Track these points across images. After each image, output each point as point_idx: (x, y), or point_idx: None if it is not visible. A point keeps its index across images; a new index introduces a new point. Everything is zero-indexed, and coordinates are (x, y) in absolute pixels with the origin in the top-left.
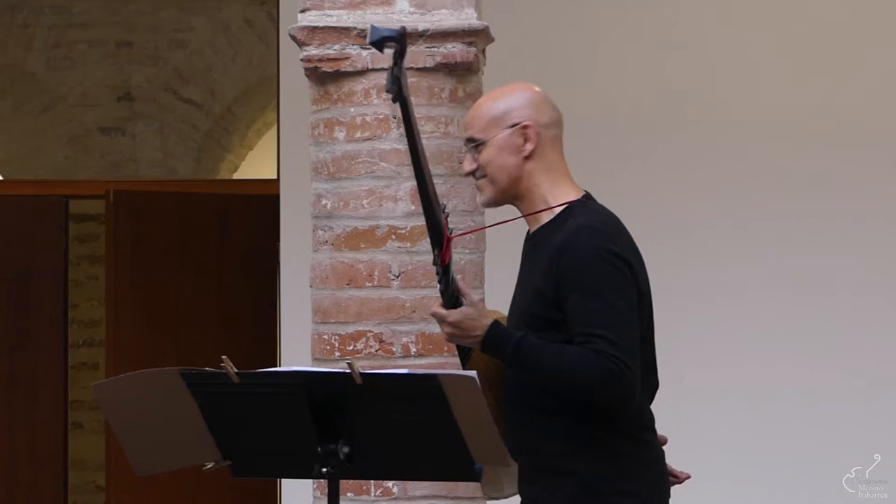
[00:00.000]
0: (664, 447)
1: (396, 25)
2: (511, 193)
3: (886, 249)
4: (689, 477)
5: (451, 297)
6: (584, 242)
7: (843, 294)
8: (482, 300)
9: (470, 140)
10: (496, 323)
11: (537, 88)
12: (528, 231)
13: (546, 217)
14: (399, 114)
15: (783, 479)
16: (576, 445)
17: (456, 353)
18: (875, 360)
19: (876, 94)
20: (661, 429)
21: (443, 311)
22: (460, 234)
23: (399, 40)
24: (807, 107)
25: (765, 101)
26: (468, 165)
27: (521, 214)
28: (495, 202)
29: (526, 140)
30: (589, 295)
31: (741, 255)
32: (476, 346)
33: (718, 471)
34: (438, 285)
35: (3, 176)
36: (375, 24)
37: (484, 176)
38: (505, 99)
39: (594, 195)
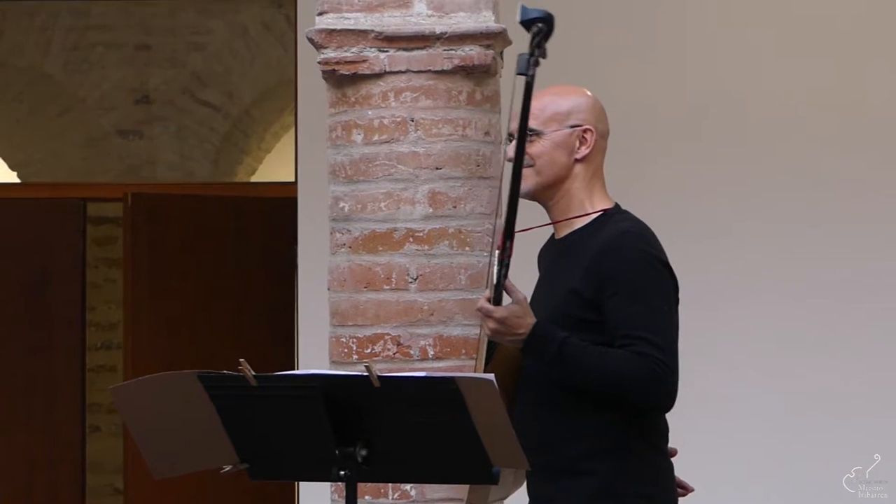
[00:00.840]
0: (673, 458)
1: (414, 28)
2: (551, 191)
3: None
4: (693, 490)
5: (500, 293)
6: (629, 246)
7: (844, 295)
8: (527, 298)
9: (528, 130)
10: (540, 322)
11: (596, 98)
12: (554, 236)
13: (580, 222)
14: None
15: (783, 478)
16: (597, 447)
17: (474, 355)
18: (875, 361)
19: None
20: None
21: (490, 307)
22: (526, 230)
23: (547, 22)
24: (825, 110)
25: (783, 105)
26: (510, 153)
27: (551, 216)
28: (533, 195)
29: (582, 143)
30: (632, 297)
31: (757, 257)
32: (517, 343)
33: (718, 471)
34: (494, 278)
35: (21, 179)
36: (525, 4)
37: (531, 165)
38: (570, 98)
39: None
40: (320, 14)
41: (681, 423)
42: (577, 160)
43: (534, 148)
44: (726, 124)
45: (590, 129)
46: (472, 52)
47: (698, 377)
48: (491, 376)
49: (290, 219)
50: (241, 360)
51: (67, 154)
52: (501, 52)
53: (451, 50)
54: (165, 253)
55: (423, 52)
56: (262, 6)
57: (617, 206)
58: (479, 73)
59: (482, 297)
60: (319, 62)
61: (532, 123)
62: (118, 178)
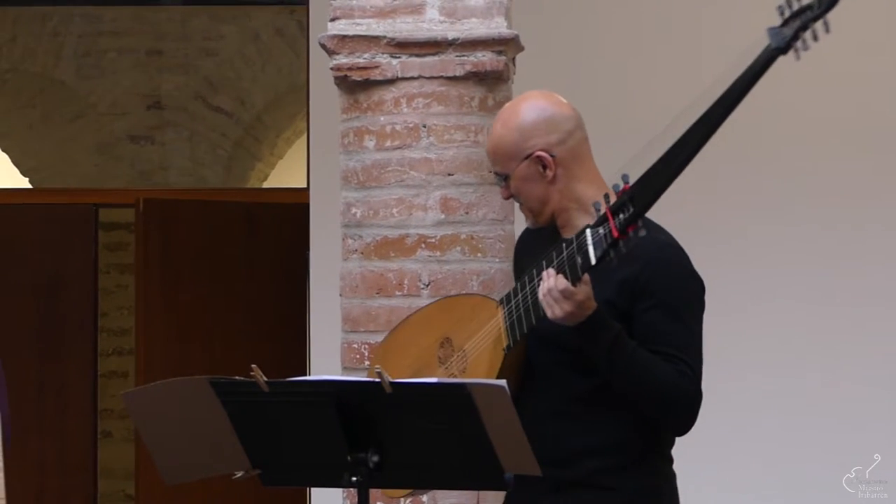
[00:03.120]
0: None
1: (426, 34)
2: (549, 214)
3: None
4: None
5: (580, 275)
6: (674, 262)
7: (844, 297)
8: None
9: (499, 175)
10: (599, 307)
11: (544, 102)
12: (543, 229)
13: (585, 219)
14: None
15: (783, 478)
16: (618, 462)
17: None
18: (875, 361)
19: None
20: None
21: (572, 288)
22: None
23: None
24: (839, 114)
25: (796, 108)
26: (504, 192)
27: (567, 233)
28: (541, 224)
29: (545, 167)
30: (673, 315)
31: (762, 261)
32: (573, 324)
33: (718, 470)
34: (594, 258)
35: (33, 184)
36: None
37: (523, 204)
38: (514, 127)
39: None
40: (332, 20)
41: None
42: (550, 182)
43: (511, 188)
44: (739, 128)
45: (540, 154)
46: (485, 58)
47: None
48: (503, 382)
49: (302, 225)
50: (253, 365)
51: (79, 160)
52: (514, 58)
53: (464, 56)
54: (177, 259)
55: (436, 58)
56: (275, 12)
57: None
58: (491, 79)
59: (559, 278)
60: (331, 68)
61: (497, 169)
62: (130, 183)
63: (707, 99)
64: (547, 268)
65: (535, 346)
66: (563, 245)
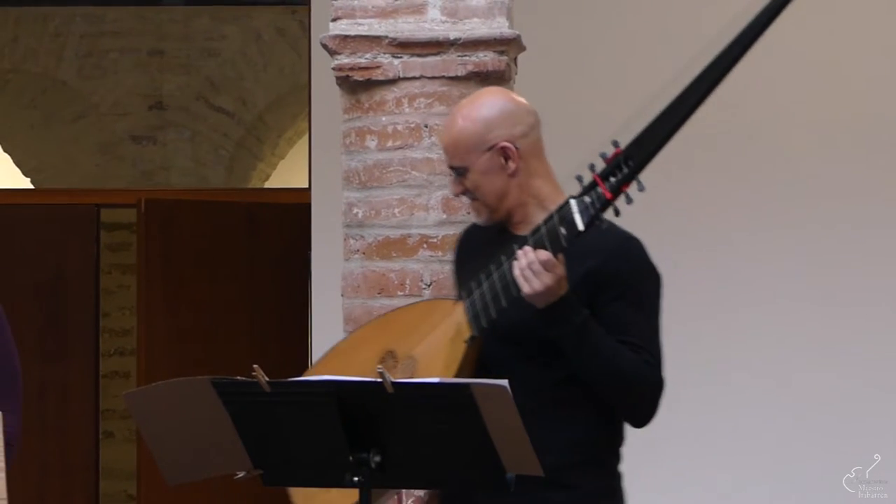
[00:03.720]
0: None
1: (428, 34)
2: (505, 210)
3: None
4: None
5: (563, 247)
6: (637, 254)
7: (844, 298)
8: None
9: (452, 168)
10: (569, 290)
11: (504, 97)
12: (514, 234)
13: (542, 215)
14: None
15: (783, 478)
16: (577, 459)
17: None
18: (876, 361)
19: None
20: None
21: (554, 259)
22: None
23: None
24: (837, 115)
25: (795, 109)
26: (456, 188)
27: (519, 230)
28: (495, 220)
29: (507, 159)
30: (634, 306)
31: (768, 262)
32: (545, 305)
33: (718, 470)
34: (582, 225)
35: (34, 184)
36: None
37: (476, 199)
38: (477, 119)
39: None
40: (334, 20)
41: (681, 423)
42: (510, 175)
43: (468, 183)
44: (738, 133)
45: (505, 145)
46: (486, 58)
47: (701, 377)
48: (504, 382)
49: (304, 225)
50: (255, 366)
51: (81, 160)
52: (515, 58)
53: (465, 56)
54: (179, 259)
55: (437, 58)
56: (276, 12)
57: None
58: (493, 80)
59: (540, 251)
60: (333, 68)
61: (454, 162)
62: (132, 184)
63: (708, 54)
64: (522, 247)
65: (492, 343)
66: (542, 222)
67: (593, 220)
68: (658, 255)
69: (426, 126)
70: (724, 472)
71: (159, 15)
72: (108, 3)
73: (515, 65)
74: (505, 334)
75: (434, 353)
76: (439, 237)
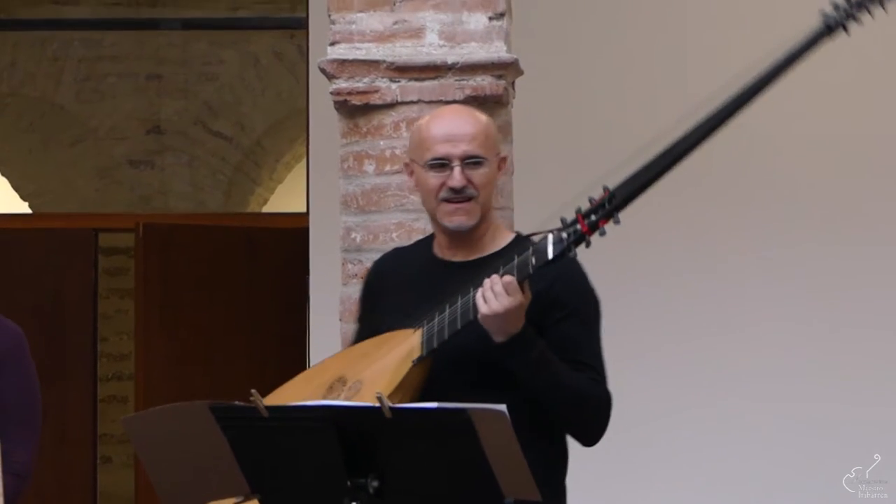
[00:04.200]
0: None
1: (426, 58)
2: (481, 223)
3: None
4: None
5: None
6: (581, 276)
7: (843, 300)
8: None
9: (472, 157)
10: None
11: None
12: (451, 259)
13: (490, 247)
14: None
15: (783, 478)
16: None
17: None
18: (876, 361)
19: None
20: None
21: (516, 284)
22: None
23: None
24: (835, 136)
25: (794, 131)
26: (462, 180)
27: (469, 248)
28: (471, 228)
29: (501, 172)
30: (582, 326)
31: (765, 284)
32: (503, 337)
33: (718, 470)
34: (551, 254)
35: (33, 209)
36: None
37: (473, 198)
38: (490, 123)
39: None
40: (332, 44)
41: (682, 423)
42: (495, 190)
43: (478, 177)
44: (741, 151)
45: (505, 158)
46: (484, 83)
47: (700, 377)
48: (503, 407)
49: (302, 249)
50: (253, 391)
51: (79, 184)
52: (513, 82)
53: (463, 80)
54: (177, 283)
55: (435, 82)
56: (274, 36)
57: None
58: (490, 104)
59: (508, 276)
60: (331, 92)
61: (479, 151)
62: (130, 208)
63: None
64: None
65: (446, 368)
66: (515, 254)
67: (564, 251)
68: (658, 276)
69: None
70: (724, 471)
71: (157, 39)
72: (106, 28)
73: (513, 89)
74: (457, 359)
75: (379, 375)
76: None
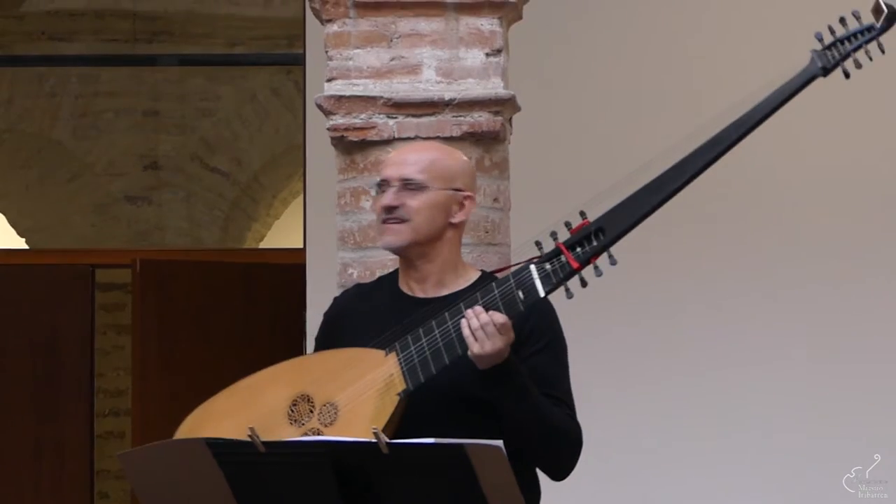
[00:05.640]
0: None
1: (423, 94)
2: (421, 249)
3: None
4: None
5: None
6: (551, 311)
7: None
8: None
9: (406, 180)
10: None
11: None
12: (418, 295)
13: (458, 284)
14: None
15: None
16: None
17: None
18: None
19: None
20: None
21: (510, 323)
22: (501, 270)
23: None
24: (839, 173)
25: (798, 167)
26: (392, 200)
27: (415, 274)
28: (403, 250)
29: (460, 209)
30: (555, 359)
31: (770, 320)
32: (489, 366)
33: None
34: (542, 291)
35: (30, 245)
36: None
37: (405, 221)
38: (457, 160)
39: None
40: (329, 80)
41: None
42: (451, 224)
43: (412, 201)
44: (742, 188)
45: (471, 197)
46: (482, 119)
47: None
48: (500, 443)
49: (299, 285)
50: (250, 426)
51: (76, 220)
52: (510, 118)
53: (460, 116)
54: (174, 319)
55: (433, 118)
56: (271, 72)
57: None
58: (488, 140)
59: (495, 313)
60: (328, 128)
61: (418, 176)
62: (127, 244)
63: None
64: (470, 307)
65: (430, 401)
66: (494, 285)
67: (555, 286)
68: (660, 315)
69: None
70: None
71: (154, 75)
72: (102, 64)
73: (510, 125)
74: (442, 391)
75: (361, 403)
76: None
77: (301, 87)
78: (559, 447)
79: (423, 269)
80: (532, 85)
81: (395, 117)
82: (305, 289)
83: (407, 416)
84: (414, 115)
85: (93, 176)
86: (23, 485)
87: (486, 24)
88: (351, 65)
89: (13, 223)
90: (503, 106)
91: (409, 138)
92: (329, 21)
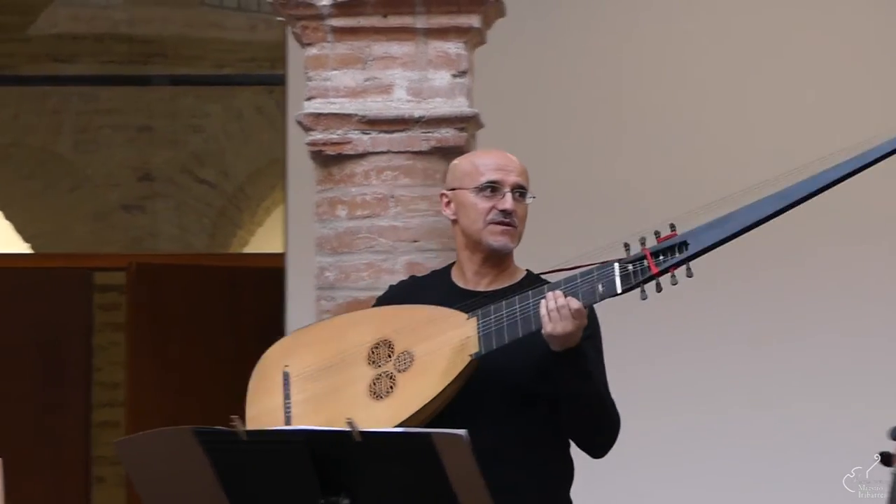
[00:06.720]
0: None
1: (394, 112)
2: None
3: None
4: None
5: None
6: (591, 308)
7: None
8: None
9: (521, 187)
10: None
11: None
12: (472, 289)
13: (509, 280)
14: None
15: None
16: (543, 495)
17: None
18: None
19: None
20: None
21: (584, 310)
22: (549, 272)
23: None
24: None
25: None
26: (512, 205)
27: (492, 273)
28: (507, 255)
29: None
30: (596, 349)
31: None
32: (560, 348)
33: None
34: (619, 288)
35: (35, 250)
36: None
37: (515, 226)
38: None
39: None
40: (308, 99)
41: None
42: None
43: (521, 208)
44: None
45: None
46: (448, 134)
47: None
48: (463, 432)
49: (280, 286)
50: (233, 416)
51: (76, 227)
52: (474, 134)
53: (429, 132)
54: (165, 318)
55: (403, 134)
56: (255, 92)
57: None
58: (453, 154)
59: (572, 299)
60: (307, 143)
61: (525, 183)
62: (123, 249)
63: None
64: (552, 290)
65: (489, 393)
66: (579, 276)
67: (632, 287)
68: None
69: (392, 197)
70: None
71: (148, 94)
72: (101, 84)
73: (475, 140)
74: (500, 386)
75: (435, 357)
76: None
77: (282, 105)
78: (609, 428)
79: (501, 264)
80: (495, 103)
81: (369, 133)
82: (286, 290)
83: (467, 409)
84: (386, 132)
85: (92, 186)
86: (26, 469)
87: (453, 48)
88: (329, 85)
89: (20, 230)
90: (468, 123)
91: (381, 153)
92: (309, 45)
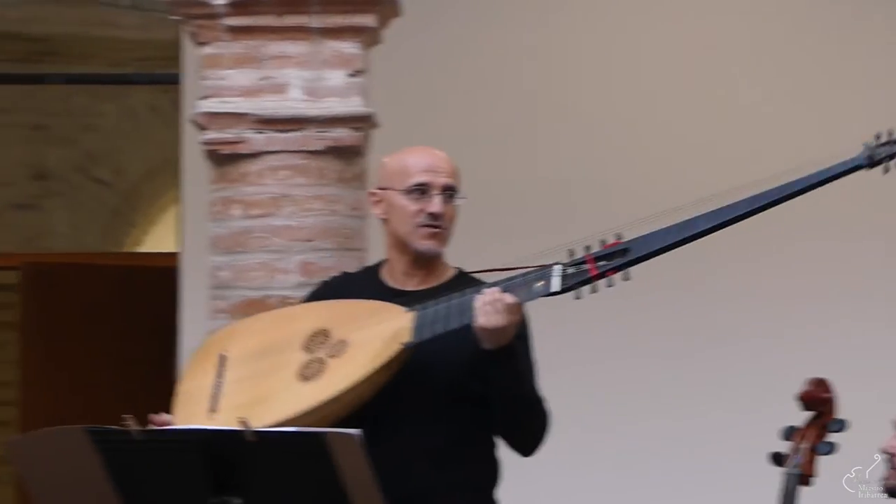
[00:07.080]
0: None
1: (289, 112)
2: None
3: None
4: None
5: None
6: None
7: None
8: None
9: (450, 188)
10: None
11: None
12: (402, 288)
13: (439, 279)
14: None
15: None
16: (472, 499)
17: None
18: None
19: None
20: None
21: (518, 305)
22: (483, 271)
23: None
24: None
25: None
26: (441, 207)
27: (422, 273)
28: (436, 256)
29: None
30: (527, 350)
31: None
32: (492, 346)
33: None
34: (564, 284)
35: None
36: None
37: (445, 228)
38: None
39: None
40: (203, 98)
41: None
42: None
43: (450, 209)
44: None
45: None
46: (343, 134)
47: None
48: (358, 432)
49: (174, 286)
50: (125, 415)
51: None
52: (369, 134)
53: (324, 132)
54: (58, 317)
55: (298, 133)
56: (150, 91)
57: None
58: (348, 154)
59: (507, 294)
60: (202, 142)
61: (456, 183)
62: (16, 248)
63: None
64: (491, 287)
65: (411, 382)
66: (521, 275)
67: (570, 288)
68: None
69: (286, 196)
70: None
71: (43, 93)
72: None
73: (369, 140)
74: (434, 384)
75: (367, 344)
76: (298, 298)
77: (177, 104)
78: (539, 428)
79: (430, 265)
80: (393, 103)
81: (264, 132)
82: (180, 289)
83: (396, 407)
84: (281, 131)
85: None
86: None
87: (348, 47)
88: (224, 84)
89: None
90: (363, 123)
91: (276, 152)
92: (204, 44)
